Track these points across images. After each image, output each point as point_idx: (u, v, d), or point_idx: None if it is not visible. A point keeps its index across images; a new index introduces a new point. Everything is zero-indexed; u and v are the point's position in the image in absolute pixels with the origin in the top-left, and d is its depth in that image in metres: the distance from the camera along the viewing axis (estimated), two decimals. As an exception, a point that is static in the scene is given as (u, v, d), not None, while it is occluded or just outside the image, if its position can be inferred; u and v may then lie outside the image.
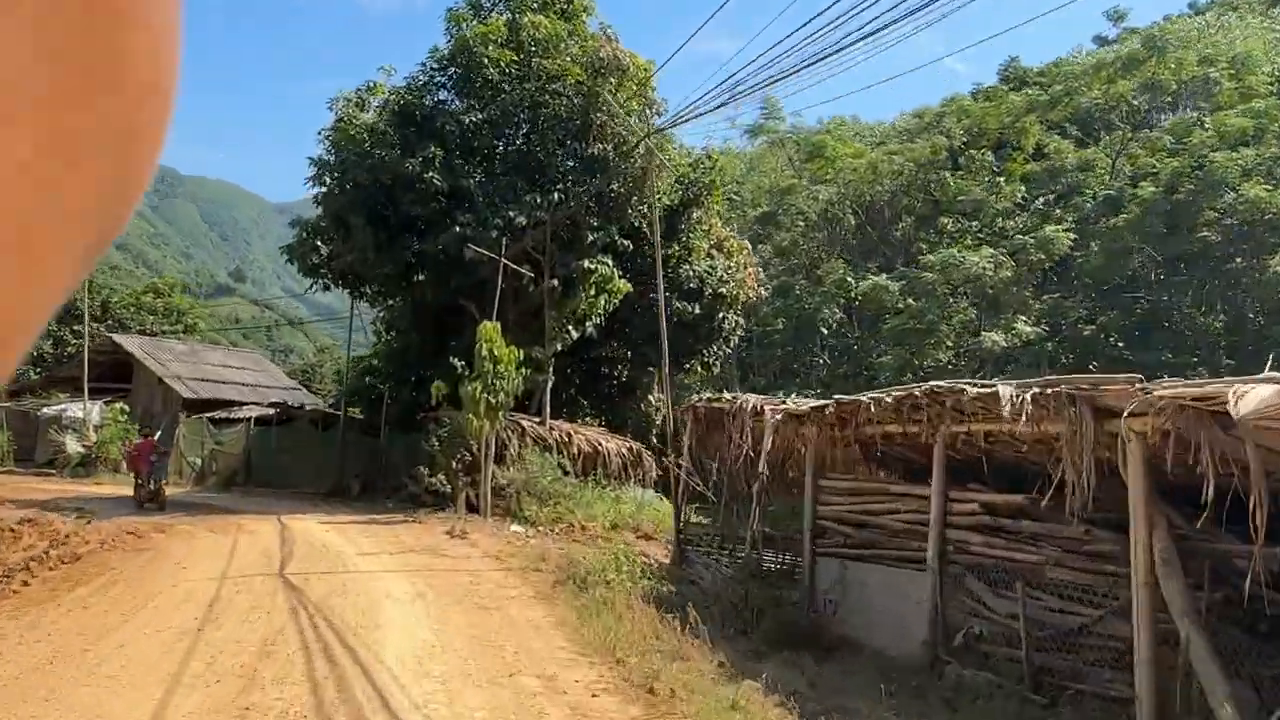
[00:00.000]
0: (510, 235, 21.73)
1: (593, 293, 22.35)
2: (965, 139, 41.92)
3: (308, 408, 32.01)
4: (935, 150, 40.46)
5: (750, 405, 12.85)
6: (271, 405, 30.71)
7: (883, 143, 47.95)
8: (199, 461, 29.71)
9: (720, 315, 25.66)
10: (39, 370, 36.72)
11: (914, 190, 40.58)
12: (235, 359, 39.68)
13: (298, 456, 27.59)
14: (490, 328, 19.31)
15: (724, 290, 25.45)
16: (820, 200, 41.48)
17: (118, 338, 34.65)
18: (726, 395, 14.29)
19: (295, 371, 50.35)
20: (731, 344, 26.80)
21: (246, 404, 34.66)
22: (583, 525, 19.43)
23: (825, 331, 36.79)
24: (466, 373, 19.40)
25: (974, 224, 37.86)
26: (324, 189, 23.15)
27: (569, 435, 22.82)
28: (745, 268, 26.34)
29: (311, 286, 25.10)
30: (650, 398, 29.13)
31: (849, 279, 37.15)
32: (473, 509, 20.90)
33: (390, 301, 27.13)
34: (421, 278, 23.80)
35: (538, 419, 23.06)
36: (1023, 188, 38.21)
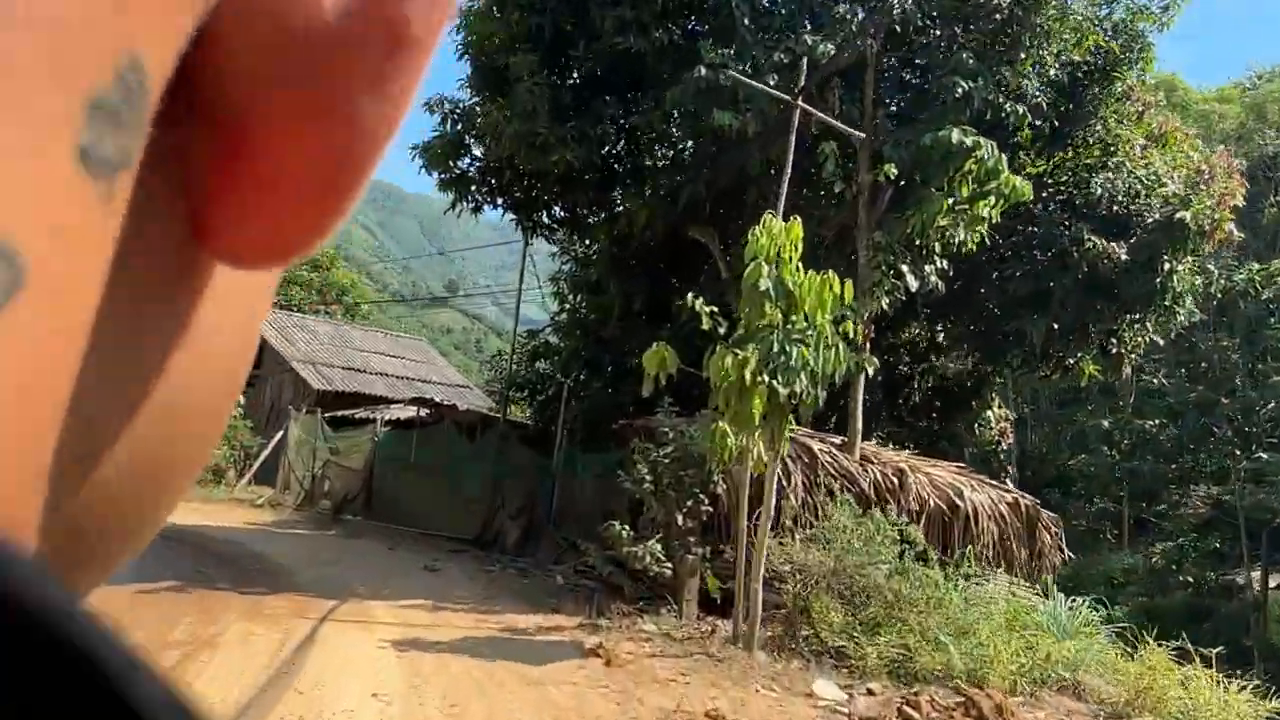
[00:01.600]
0: (793, 83, 11.10)
1: (962, 193, 11.24)
2: None
3: (467, 409, 22.64)
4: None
5: None
6: (414, 402, 21.56)
7: None
8: (308, 476, 20.92)
9: (1165, 263, 13.79)
10: None
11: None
12: (391, 345, 31.40)
13: (436, 478, 18.11)
14: (781, 226, 8.60)
15: (1179, 217, 13.56)
16: None
17: (244, 309, 26.99)
18: None
19: (492, 380, 42.41)
20: (1178, 317, 14.69)
21: (398, 402, 25.95)
22: (977, 684, 8.35)
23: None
24: (718, 332, 8.92)
25: None
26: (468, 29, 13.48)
27: (899, 474, 11.74)
28: (1213, 178, 14.22)
29: (456, 208, 15.45)
30: (991, 412, 17.52)
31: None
32: (709, 607, 10.50)
33: (576, 241, 17.15)
34: (630, 187, 13.67)
35: (836, 439, 12.16)
36: None
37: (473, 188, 15.25)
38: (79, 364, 0.14)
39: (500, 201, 15.46)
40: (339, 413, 24.59)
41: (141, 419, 0.20)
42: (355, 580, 11.61)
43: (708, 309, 8.90)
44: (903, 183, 11.72)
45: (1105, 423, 26.93)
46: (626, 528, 10.54)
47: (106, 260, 0.15)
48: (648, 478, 10.37)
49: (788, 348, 8.36)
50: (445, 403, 22.50)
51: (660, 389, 9.69)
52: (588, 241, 16.92)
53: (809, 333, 8.56)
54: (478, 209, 15.50)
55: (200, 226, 0.20)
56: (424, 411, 21.45)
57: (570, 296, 17.56)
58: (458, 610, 10.34)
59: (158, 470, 0.23)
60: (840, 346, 8.68)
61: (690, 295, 9.51)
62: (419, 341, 34.01)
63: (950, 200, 11.38)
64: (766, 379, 8.30)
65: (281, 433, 22.69)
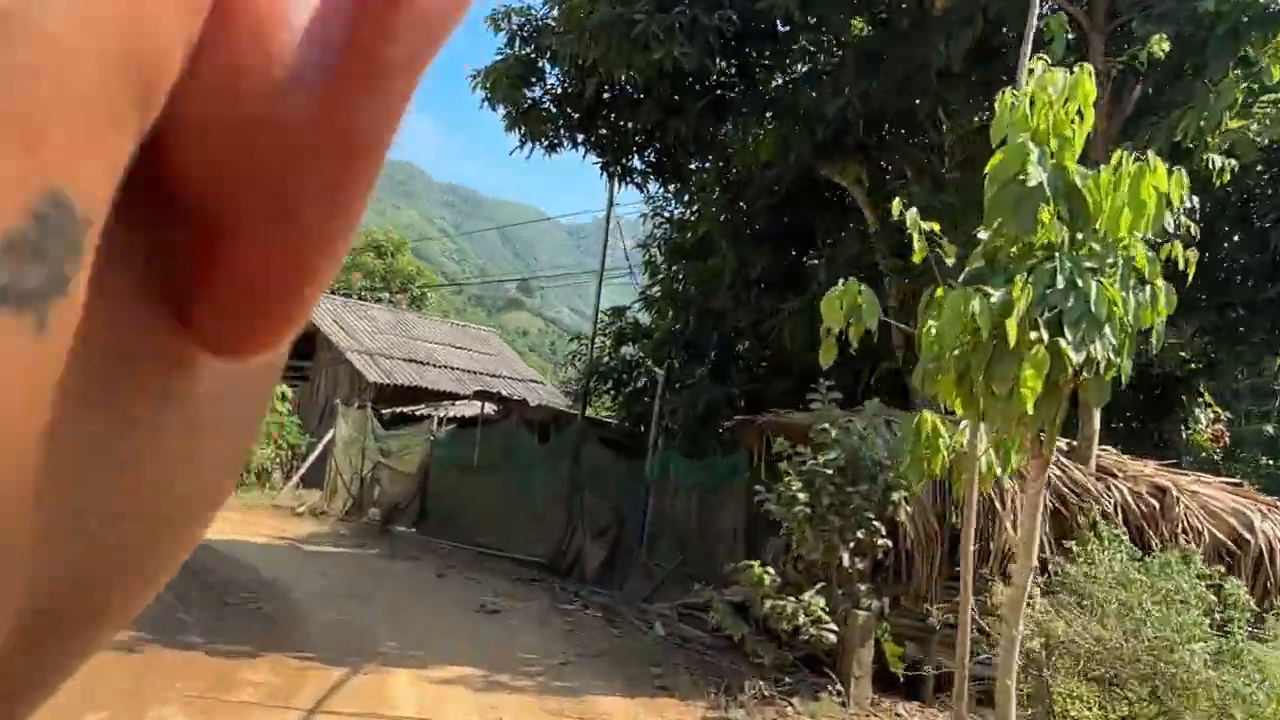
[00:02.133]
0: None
1: (1275, 75, 7.54)
2: None
3: (538, 405, 19.44)
4: None
5: None
6: (477, 397, 18.48)
7: None
8: (355, 480, 18.00)
9: None
10: None
11: None
12: (457, 336, 28.51)
13: (502, 486, 14.94)
14: (1062, 76, 5.13)
15: None
16: None
17: (297, 294, 24.37)
18: None
19: (569, 380, 39.45)
20: None
21: (463, 397, 23.01)
22: None
23: None
24: (938, 253, 5.45)
25: None
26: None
27: (1158, 495, 8.05)
28: None
29: (526, 148, 12.24)
30: (1199, 411, 13.57)
31: None
32: (888, 684, 7.06)
33: (674, 193, 13.79)
34: (748, 115, 10.33)
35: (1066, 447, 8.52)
36: None
37: (547, 122, 12.02)
38: (30, 479, 0.15)
39: (581, 139, 12.20)
40: (396, 409, 21.71)
41: (127, 517, 0.21)
42: (384, 630, 8.44)
43: (921, 222, 5.43)
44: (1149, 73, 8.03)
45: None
46: (769, 571, 7.09)
47: (49, 379, 0.15)
48: (800, 498, 6.90)
49: (1081, 282, 4.84)
50: (513, 397, 19.38)
51: (800, 371, 6.28)
52: (689, 193, 13.54)
53: (1111, 262, 5.03)
54: (553, 147, 12.25)
55: (188, 321, 0.20)
56: (489, 407, 18.36)
57: (664, 265, 14.17)
58: (519, 685, 7.05)
59: (142, 560, 0.23)
60: (1161, 285, 5.12)
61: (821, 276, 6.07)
62: (488, 332, 31.09)
63: (1242, 88, 7.68)
64: (1044, 335, 4.79)
65: (332, 431, 19.89)
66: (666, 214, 14.11)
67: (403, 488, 16.88)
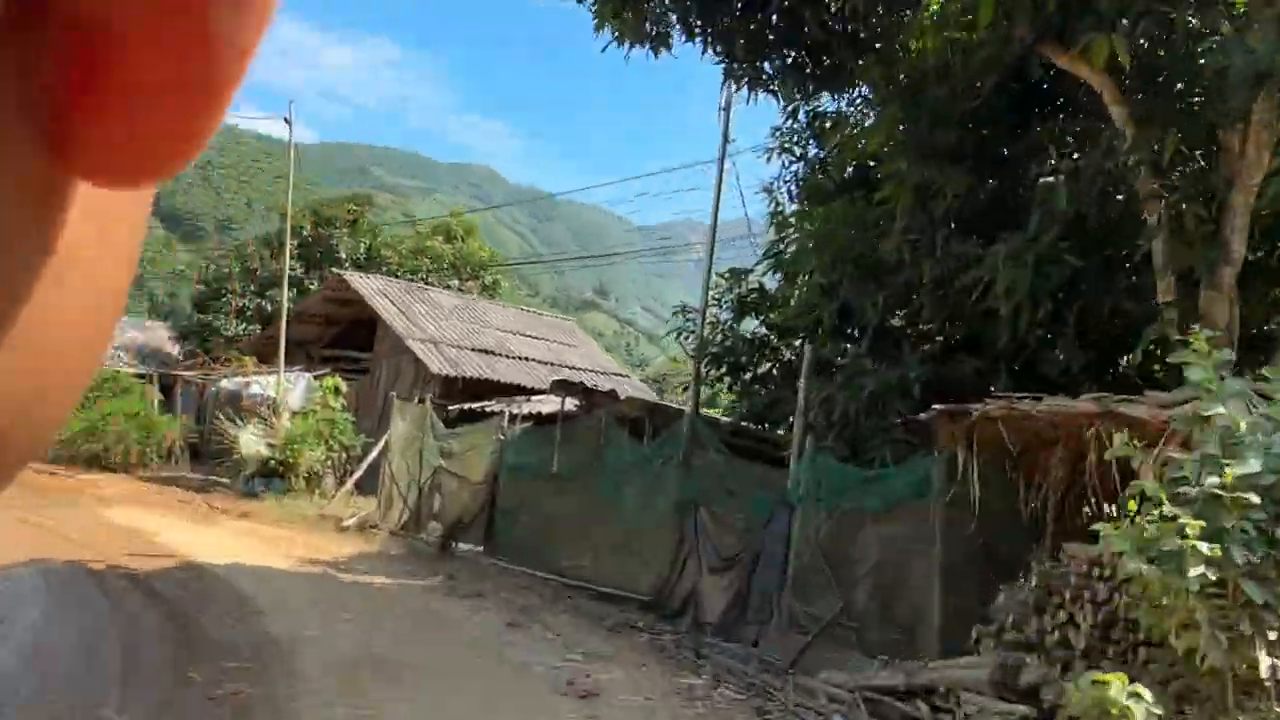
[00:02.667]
0: None
1: None
2: None
3: (630, 397, 16.18)
4: None
5: None
6: (557, 388, 15.35)
7: None
8: (412, 488, 15.06)
9: None
10: (246, 325, 24.98)
11: None
12: (532, 324, 25.52)
13: (588, 497, 11.77)
14: None
15: None
16: None
17: (353, 278, 21.72)
18: None
19: (647, 379, 36.34)
20: None
21: (538, 392, 20.03)
22: None
23: None
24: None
25: None
26: None
27: None
28: None
29: (625, 47, 9.04)
30: None
31: None
32: None
33: (817, 106, 10.41)
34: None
35: None
36: None
37: (653, 7, 8.79)
38: None
39: (698, 29, 8.92)
40: (462, 405, 18.78)
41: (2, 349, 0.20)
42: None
43: None
44: None
45: None
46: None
47: None
48: (1201, 550, 3.49)
49: None
50: (600, 388, 16.21)
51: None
52: (843, 104, 10.16)
53: None
54: (660, 41, 8.99)
55: (59, 144, 0.18)
56: (570, 401, 15.23)
57: (804, 206, 10.67)
58: None
59: (27, 398, 0.22)
60: None
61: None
62: (565, 321, 28.06)
63: None
64: None
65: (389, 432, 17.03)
66: (806, 141, 10.68)
67: (468, 499, 13.85)
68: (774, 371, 11.21)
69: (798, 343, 10.72)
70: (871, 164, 9.49)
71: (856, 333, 9.64)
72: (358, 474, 18.39)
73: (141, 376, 21.72)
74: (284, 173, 21.51)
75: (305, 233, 26.20)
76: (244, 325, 24.82)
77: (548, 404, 18.04)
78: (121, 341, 26.48)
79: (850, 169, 10.13)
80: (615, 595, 10.61)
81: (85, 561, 9.74)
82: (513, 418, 14.85)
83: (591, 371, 22.75)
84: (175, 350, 26.25)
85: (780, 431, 10.83)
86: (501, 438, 13.67)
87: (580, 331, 28.01)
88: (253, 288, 25.65)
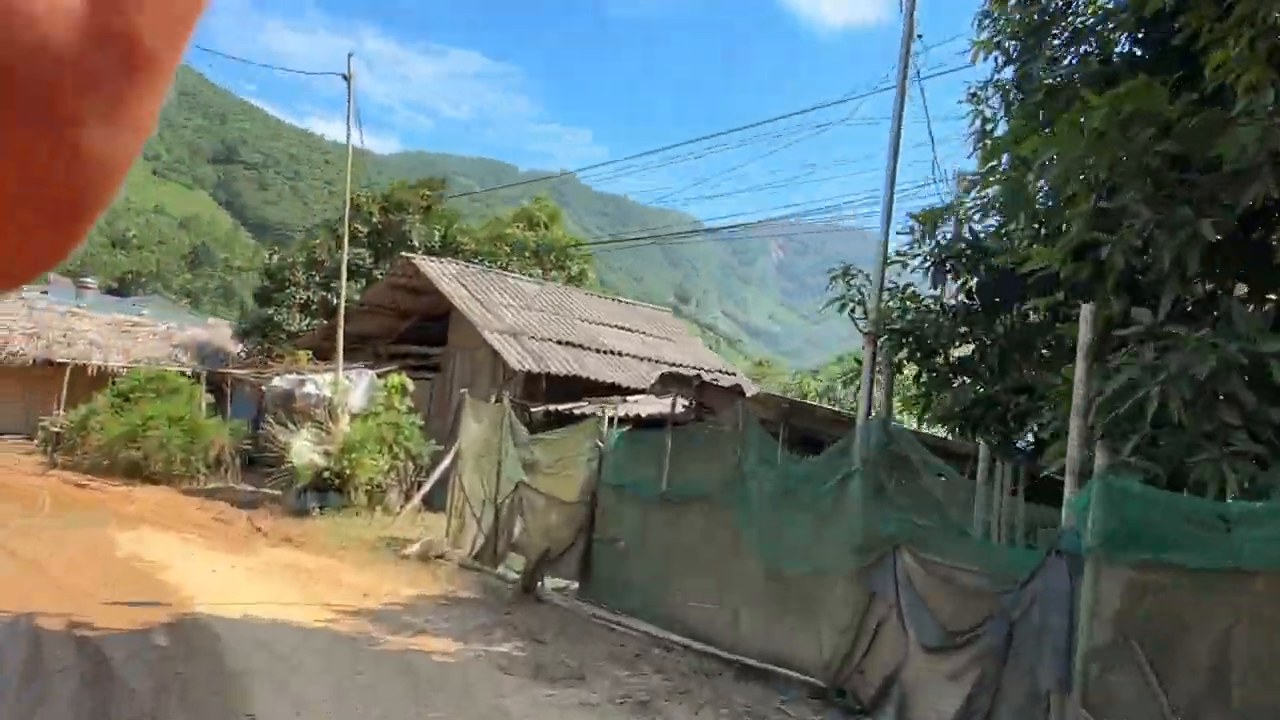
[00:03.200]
0: None
1: None
2: None
3: (763, 394, 12.96)
4: None
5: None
6: (665, 384, 12.25)
7: None
8: (488, 508, 12.12)
9: None
10: (310, 320, 22.47)
11: None
12: (626, 315, 22.51)
13: (716, 527, 8.64)
14: None
15: None
16: None
17: (424, 262, 19.00)
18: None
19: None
20: None
21: (636, 392, 17.10)
22: None
23: None
24: None
25: None
26: None
27: None
28: None
29: None
30: None
31: None
32: None
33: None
34: None
35: None
36: None
37: None
38: None
39: None
40: (548, 406, 15.89)
41: None
42: None
43: None
44: None
45: None
46: None
47: None
48: None
49: None
50: (716, 383, 13.08)
51: None
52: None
53: None
54: None
55: None
56: (680, 401, 12.14)
57: (1035, 101, 7.15)
58: None
59: None
60: None
61: None
62: (661, 312, 24.97)
63: None
64: None
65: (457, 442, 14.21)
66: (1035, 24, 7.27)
67: (558, 523, 10.85)
68: (985, 355, 7.87)
69: (1030, 309, 7.36)
70: (1176, 26, 6.13)
71: (1147, 291, 6.25)
72: (426, 487, 15.63)
73: (190, 376, 19.44)
74: (372, 180, 19.25)
75: (374, 219, 23.74)
76: (307, 320, 22.42)
77: (648, 404, 15.00)
78: (180, 340, 24.48)
79: (1138, 34, 6.77)
80: (762, 668, 7.43)
81: (37, 615, 7.02)
82: (612, 420, 11.80)
83: (695, 368, 19.62)
84: (238, 349, 24.10)
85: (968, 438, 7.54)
86: (600, 444, 10.63)
87: (677, 321, 24.88)
88: (317, 278, 23.26)
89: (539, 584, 10.38)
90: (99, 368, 21.41)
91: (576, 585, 10.42)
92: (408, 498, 15.79)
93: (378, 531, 13.91)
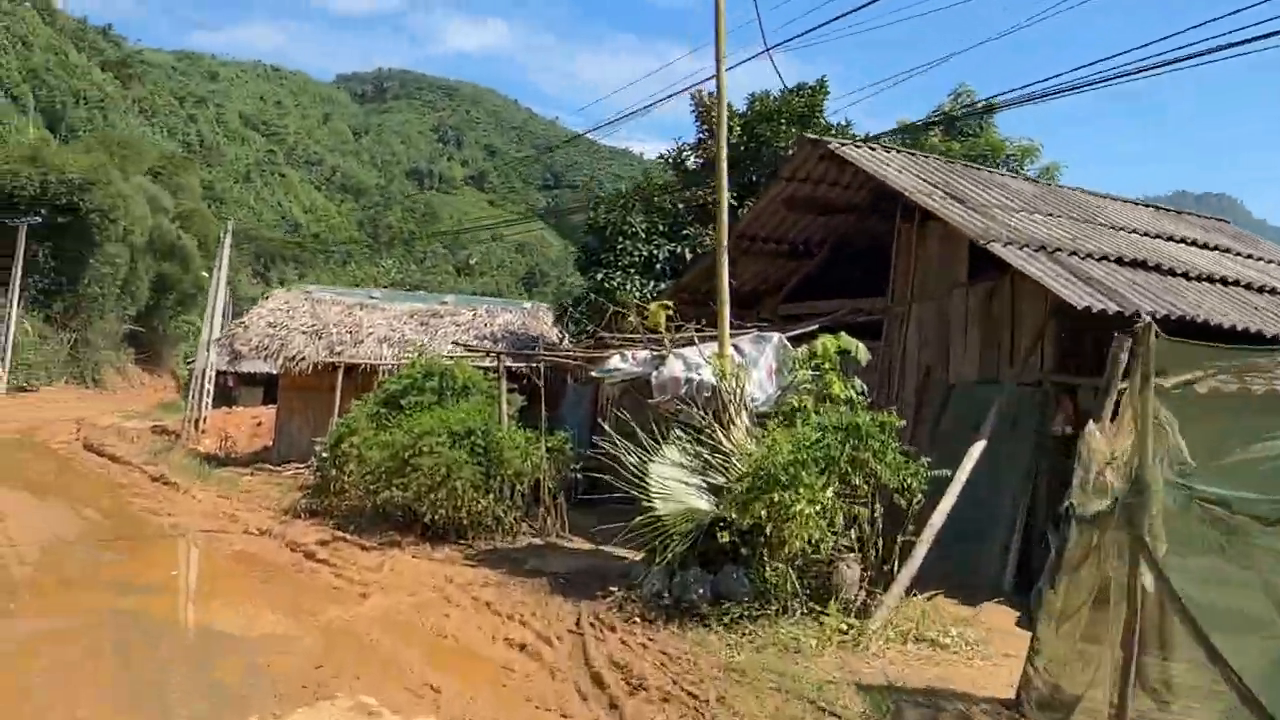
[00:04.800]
0: None
1: None
2: None
3: None
4: None
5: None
6: None
7: None
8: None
9: None
10: (653, 284, 15.09)
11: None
12: (1174, 223, 13.04)
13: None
14: None
15: None
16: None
17: (848, 148, 10.95)
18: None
19: None
20: None
21: (1265, 342, 7.73)
22: None
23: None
24: None
25: None
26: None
27: None
28: None
29: None
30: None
31: None
32: None
33: None
34: None
35: None
36: None
37: None
38: None
39: None
40: (1198, 374, 7.03)
41: None
42: None
43: None
44: None
45: None
46: None
47: None
48: None
49: None
50: None
51: None
52: None
53: None
54: None
55: None
56: None
57: None
58: None
59: None
60: None
61: None
62: (1219, 220, 14.99)
63: None
64: None
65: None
66: None
67: None
68: None
69: None
70: None
71: None
72: (918, 557, 7.56)
73: (490, 369, 12.86)
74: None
75: (737, 135, 16.35)
76: (650, 283, 15.33)
77: None
78: (491, 329, 18.66)
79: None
80: None
81: None
82: None
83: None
84: (560, 336, 17.77)
85: None
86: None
87: (1257, 238, 14.73)
88: (662, 227, 16.20)
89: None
90: (389, 369, 15.78)
91: None
92: (873, 581, 7.72)
93: (848, 666, 6.03)
